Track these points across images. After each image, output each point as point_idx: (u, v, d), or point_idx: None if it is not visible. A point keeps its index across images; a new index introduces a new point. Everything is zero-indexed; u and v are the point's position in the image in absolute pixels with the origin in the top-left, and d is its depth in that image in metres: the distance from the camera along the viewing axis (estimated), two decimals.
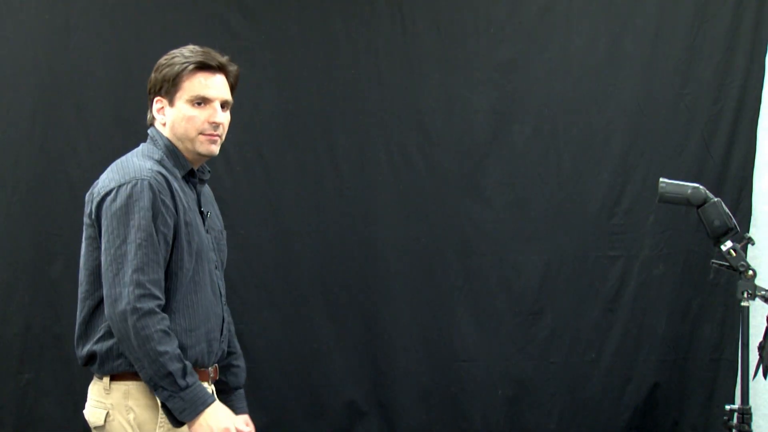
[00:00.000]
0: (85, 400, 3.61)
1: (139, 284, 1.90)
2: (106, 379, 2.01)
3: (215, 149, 2.11)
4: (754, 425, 2.41)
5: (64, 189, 3.48)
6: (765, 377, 2.38)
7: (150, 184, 1.94)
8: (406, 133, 3.62)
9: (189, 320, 2.02)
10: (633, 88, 3.61)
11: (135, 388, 2.00)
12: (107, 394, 2.01)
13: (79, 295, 2.05)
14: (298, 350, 3.59)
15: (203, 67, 2.08)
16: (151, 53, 3.46)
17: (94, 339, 2.00)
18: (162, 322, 1.92)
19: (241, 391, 2.37)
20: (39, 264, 3.47)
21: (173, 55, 2.11)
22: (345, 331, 3.60)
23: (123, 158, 2.07)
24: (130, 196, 1.93)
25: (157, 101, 2.10)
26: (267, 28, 3.57)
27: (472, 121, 3.62)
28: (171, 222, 1.97)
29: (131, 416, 1.99)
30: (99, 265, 1.97)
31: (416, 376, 3.61)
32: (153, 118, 2.14)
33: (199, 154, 2.10)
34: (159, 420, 1.99)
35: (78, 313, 2.08)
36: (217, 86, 2.11)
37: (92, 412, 2.05)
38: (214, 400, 1.99)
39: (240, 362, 2.36)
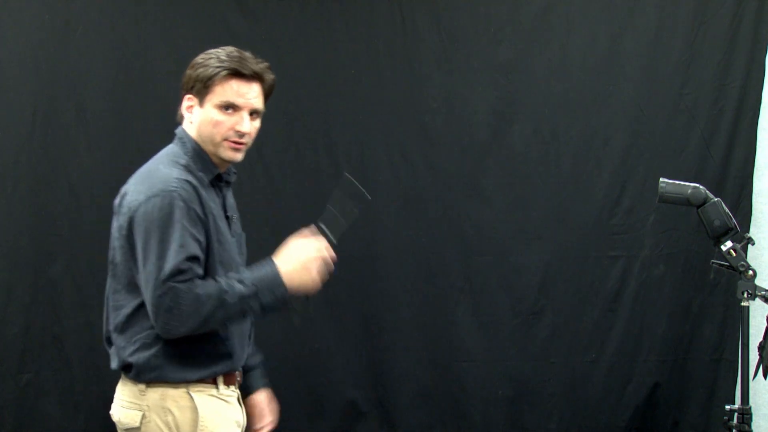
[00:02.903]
0: (85, 400, 3.62)
1: (159, 285, 1.87)
2: (141, 384, 1.98)
3: (239, 157, 2.07)
4: (754, 425, 2.41)
5: (64, 189, 3.48)
6: (765, 377, 2.38)
7: (180, 195, 1.91)
8: (406, 133, 3.62)
9: (223, 330, 2.01)
10: (633, 88, 3.61)
11: (172, 390, 1.97)
12: (143, 395, 1.97)
13: (111, 302, 2.01)
14: (298, 350, 3.59)
15: (237, 73, 2.02)
16: (151, 53, 3.52)
17: (131, 350, 1.96)
18: (187, 286, 1.87)
19: (258, 370, 2.33)
20: (39, 264, 3.47)
21: (210, 56, 2.05)
22: (345, 331, 3.60)
23: (150, 165, 2.04)
24: (161, 209, 1.89)
25: (187, 99, 2.07)
26: (267, 28, 3.57)
27: (472, 121, 3.62)
28: (202, 232, 1.95)
29: (170, 418, 1.96)
30: (134, 276, 1.95)
31: (416, 376, 3.61)
32: (182, 115, 2.11)
33: (222, 160, 2.08)
34: (200, 424, 1.98)
35: (109, 318, 2.04)
36: (248, 95, 2.04)
37: (125, 413, 1.99)
38: (274, 263, 1.97)
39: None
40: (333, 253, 2.08)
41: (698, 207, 2.41)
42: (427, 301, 3.63)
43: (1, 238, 3.45)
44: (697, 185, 2.43)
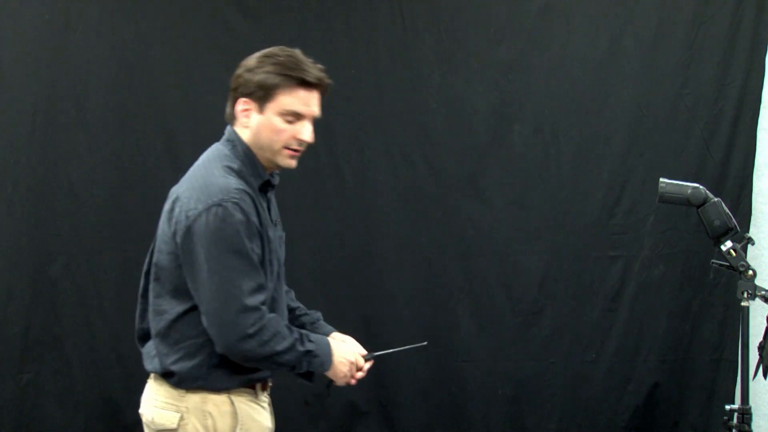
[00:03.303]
0: (85, 400, 3.62)
1: (246, 308, 1.87)
2: (180, 389, 1.96)
3: (294, 164, 2.06)
4: (754, 425, 2.41)
5: (64, 189, 3.48)
6: (765, 377, 2.38)
7: (241, 207, 1.88)
8: (406, 133, 3.62)
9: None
10: (633, 88, 3.61)
11: (214, 395, 1.96)
12: (182, 397, 1.95)
13: (152, 305, 1.99)
14: None
15: (303, 83, 1.99)
16: (151, 53, 3.52)
17: (174, 358, 1.94)
18: (271, 320, 1.91)
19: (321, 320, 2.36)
20: (39, 264, 3.48)
21: (272, 60, 1.99)
22: (345, 331, 3.58)
23: (203, 169, 1.97)
24: (223, 220, 1.85)
25: (243, 102, 1.99)
26: (267, 28, 3.57)
27: (472, 121, 3.62)
28: (259, 244, 1.94)
29: (209, 422, 1.95)
30: (184, 284, 1.91)
31: (416, 376, 3.61)
32: (233, 117, 2.04)
33: (278, 167, 2.06)
34: (238, 429, 1.98)
35: (147, 319, 2.03)
36: (312, 103, 2.02)
37: (161, 414, 1.96)
38: (328, 339, 2.07)
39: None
40: (364, 366, 2.16)
41: (698, 207, 2.40)
42: (427, 301, 3.63)
43: (1, 238, 3.45)
44: (697, 185, 2.43)
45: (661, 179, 2.46)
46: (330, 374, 2.07)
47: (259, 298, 1.90)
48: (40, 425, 3.48)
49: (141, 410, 2.05)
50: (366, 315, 3.61)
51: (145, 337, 2.08)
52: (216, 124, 3.44)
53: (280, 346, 1.92)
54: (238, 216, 1.87)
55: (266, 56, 2.01)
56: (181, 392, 1.95)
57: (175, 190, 1.99)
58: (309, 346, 1.97)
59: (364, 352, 2.17)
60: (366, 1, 3.61)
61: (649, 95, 3.61)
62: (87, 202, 3.50)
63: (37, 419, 3.48)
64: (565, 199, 3.63)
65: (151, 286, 2.00)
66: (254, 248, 1.91)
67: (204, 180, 1.93)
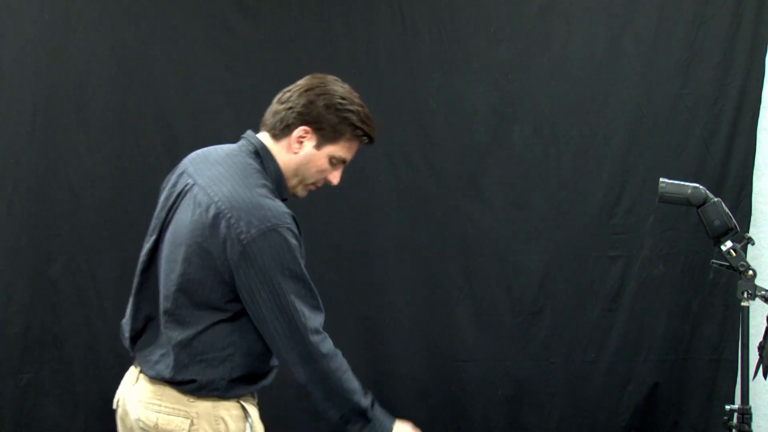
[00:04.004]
0: (85, 400, 3.62)
1: (315, 331, 1.90)
2: (190, 395, 1.94)
3: (305, 195, 2.12)
4: (754, 425, 2.41)
5: (64, 189, 3.48)
6: (765, 377, 2.38)
7: (294, 233, 1.90)
8: (406, 133, 3.62)
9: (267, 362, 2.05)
10: (633, 88, 3.61)
11: (225, 400, 1.95)
12: (192, 403, 1.93)
13: (170, 314, 1.94)
14: None
15: (368, 141, 2.07)
16: (151, 53, 3.52)
17: (196, 369, 1.91)
18: (341, 357, 1.94)
19: None
20: (39, 264, 3.47)
21: (350, 107, 2.01)
22: (345, 331, 3.60)
23: (244, 186, 1.91)
24: (281, 246, 1.86)
25: (303, 131, 1.99)
26: (267, 28, 3.57)
27: (472, 121, 3.62)
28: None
29: (221, 427, 1.93)
30: (217, 299, 1.89)
31: (416, 376, 3.61)
32: (282, 134, 2.01)
33: (293, 195, 2.08)
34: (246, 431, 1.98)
35: (137, 319, 2.01)
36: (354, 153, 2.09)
37: (167, 420, 1.93)
38: (393, 422, 2.04)
39: None
40: None
41: (698, 207, 2.40)
42: (427, 301, 3.63)
43: (1, 238, 3.45)
44: (697, 185, 2.43)
45: (661, 179, 2.46)
46: None
47: (321, 319, 1.93)
48: (40, 425, 3.48)
49: (137, 415, 1.98)
50: (366, 315, 3.61)
51: (137, 337, 2.04)
52: (216, 124, 3.49)
53: (348, 384, 1.94)
54: (293, 241, 1.88)
55: (344, 99, 2.02)
56: (191, 398, 1.93)
57: (205, 197, 1.90)
58: (368, 409, 1.96)
59: None
60: (366, 1, 3.60)
61: (649, 95, 3.61)
62: (87, 202, 3.50)
63: (37, 419, 3.48)
64: (565, 199, 3.63)
65: (169, 293, 1.93)
66: (307, 272, 1.93)
67: (251, 201, 1.88)
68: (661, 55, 3.60)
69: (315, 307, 1.92)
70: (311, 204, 3.59)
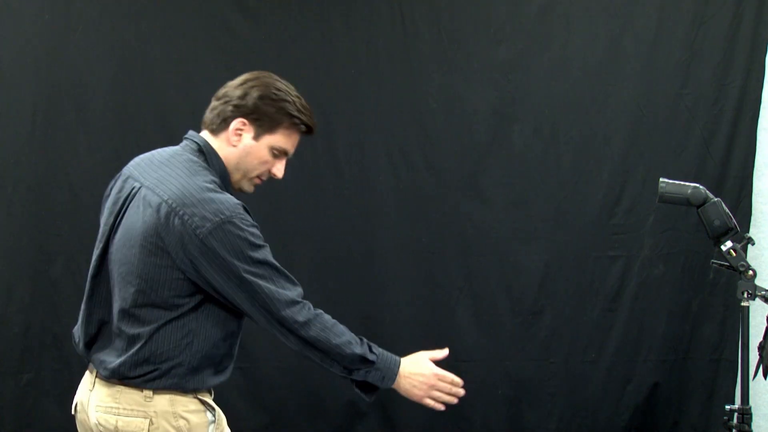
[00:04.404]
0: None
1: (289, 303, 1.94)
2: (147, 390, 1.94)
3: (252, 190, 2.13)
4: (754, 425, 2.41)
5: (64, 189, 3.48)
6: (765, 377, 2.37)
7: (247, 220, 1.92)
8: (406, 133, 3.62)
9: (235, 348, 2.07)
10: (633, 88, 3.61)
11: (180, 396, 1.96)
12: (149, 401, 1.93)
13: (125, 313, 1.94)
14: None
15: (306, 130, 2.07)
16: (151, 53, 3.52)
17: (154, 363, 1.92)
18: (324, 316, 2.00)
19: None
20: (39, 264, 3.47)
21: (286, 98, 2.02)
22: None
23: (191, 182, 1.93)
24: (238, 235, 1.89)
25: (240, 123, 2.01)
26: (267, 28, 3.57)
27: (472, 121, 3.62)
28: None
29: (181, 423, 1.94)
30: (174, 296, 1.91)
31: None
32: (220, 129, 2.04)
33: (239, 191, 2.09)
34: (217, 424, 1.99)
35: (90, 324, 2.02)
36: (296, 145, 2.10)
37: (127, 421, 1.93)
38: (397, 358, 2.08)
39: None
40: (458, 390, 2.15)
41: (698, 207, 2.40)
42: (427, 301, 3.63)
43: (1, 238, 3.45)
44: (697, 185, 2.43)
45: (661, 179, 2.46)
46: (403, 393, 2.10)
47: (294, 292, 1.96)
48: (40, 425, 3.48)
49: (91, 417, 1.99)
50: (366, 315, 3.61)
51: (91, 342, 2.04)
52: None
53: (335, 339, 1.98)
54: (249, 229, 1.91)
55: (278, 90, 2.03)
56: (148, 395, 1.93)
57: (155, 197, 1.92)
58: (366, 353, 2.02)
59: (444, 374, 2.15)
60: (366, 1, 3.61)
61: (649, 95, 3.61)
62: (87, 202, 3.49)
63: (37, 419, 3.48)
64: (565, 199, 3.63)
65: (127, 295, 1.94)
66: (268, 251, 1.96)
67: (202, 196, 1.91)
68: (661, 55, 3.60)
69: (285, 283, 1.96)
70: (311, 204, 3.61)
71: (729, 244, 2.37)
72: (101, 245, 2.06)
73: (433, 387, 2.11)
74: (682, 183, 2.45)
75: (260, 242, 1.94)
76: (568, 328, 3.64)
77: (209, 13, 3.55)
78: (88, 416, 2.03)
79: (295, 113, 2.03)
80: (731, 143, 3.61)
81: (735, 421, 2.43)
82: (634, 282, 3.63)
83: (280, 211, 3.58)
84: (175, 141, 3.48)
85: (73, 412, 2.11)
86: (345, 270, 3.60)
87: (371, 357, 2.03)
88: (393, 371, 2.07)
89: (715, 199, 2.40)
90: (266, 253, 1.94)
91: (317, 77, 3.58)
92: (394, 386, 2.08)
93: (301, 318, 1.95)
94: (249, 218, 1.94)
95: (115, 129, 3.51)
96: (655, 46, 3.60)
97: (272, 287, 1.92)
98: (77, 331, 2.09)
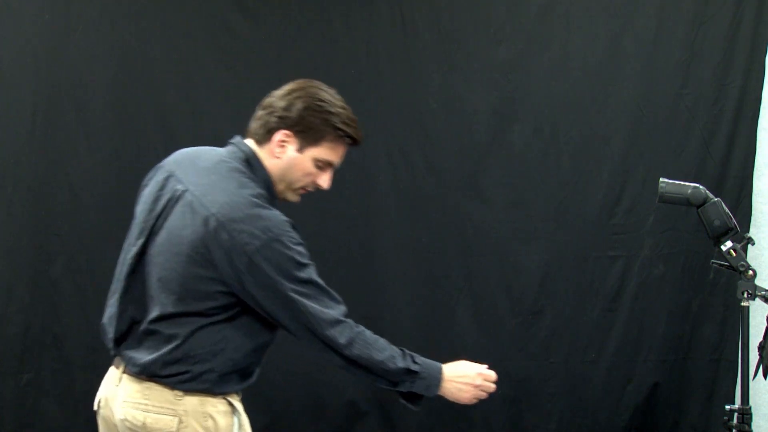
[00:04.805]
0: (85, 400, 3.60)
1: (332, 323, 1.95)
2: (178, 390, 1.94)
3: (298, 200, 2.13)
4: (754, 425, 2.41)
5: (64, 189, 3.48)
6: (765, 377, 2.37)
7: (294, 238, 1.93)
8: (406, 133, 3.62)
9: (263, 357, 2.08)
10: (633, 88, 3.61)
11: (209, 396, 1.96)
12: (179, 400, 1.94)
13: (164, 316, 1.93)
14: (298, 350, 3.56)
15: (352, 142, 2.07)
16: (151, 53, 3.52)
17: (191, 362, 1.93)
18: (366, 333, 2.01)
19: None
20: (39, 264, 3.47)
21: (331, 109, 2.01)
22: None
23: (240, 196, 1.91)
24: (284, 254, 1.90)
25: (284, 134, 2.00)
26: (267, 28, 3.57)
27: (472, 121, 3.62)
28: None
29: (210, 423, 1.94)
30: (215, 306, 1.91)
31: None
32: (265, 139, 2.02)
33: (284, 200, 2.09)
34: (242, 427, 2.00)
35: (121, 320, 2.01)
36: (342, 156, 2.10)
37: (155, 418, 1.93)
38: (440, 366, 2.08)
39: None
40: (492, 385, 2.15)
41: (698, 207, 2.40)
42: (427, 301, 3.63)
43: (1, 238, 3.45)
44: (697, 185, 2.43)
45: (661, 179, 2.46)
46: (450, 398, 2.11)
47: (338, 310, 1.98)
48: (40, 425, 3.48)
49: (117, 412, 1.99)
50: (366, 315, 3.59)
51: (121, 339, 2.04)
52: (215, 124, 3.49)
53: (378, 356, 1.98)
54: (296, 248, 1.92)
55: (323, 101, 2.02)
56: (178, 394, 1.93)
57: (203, 209, 1.90)
58: (410, 365, 2.02)
59: (488, 371, 2.15)
60: (366, 1, 3.61)
61: (649, 95, 3.61)
62: (87, 202, 3.50)
63: (37, 419, 3.48)
64: (565, 199, 3.63)
65: (167, 301, 1.93)
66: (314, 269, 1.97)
67: (251, 212, 1.90)
68: (661, 55, 3.60)
69: (329, 302, 1.97)
70: (311, 204, 3.59)
71: (729, 244, 2.37)
72: (140, 243, 2.01)
73: (478, 387, 2.12)
74: (682, 183, 2.45)
75: (306, 261, 1.94)
76: (568, 328, 3.64)
77: (209, 13, 3.55)
78: (113, 412, 2.02)
79: (340, 125, 2.01)
80: (731, 143, 3.61)
81: (735, 421, 2.43)
82: (634, 282, 3.63)
83: (280, 211, 3.57)
84: (175, 141, 3.51)
85: (95, 408, 2.10)
86: (345, 270, 3.60)
87: (415, 368, 2.03)
88: (437, 378, 2.07)
89: (715, 199, 2.40)
90: (311, 272, 1.95)
91: (317, 77, 3.55)
92: (440, 392, 2.09)
93: (343, 339, 1.95)
94: (296, 236, 1.94)
95: (115, 129, 3.51)
96: (655, 46, 3.60)
97: (316, 306, 1.93)
98: (108, 324, 2.06)
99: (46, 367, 3.48)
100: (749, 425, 2.39)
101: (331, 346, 1.95)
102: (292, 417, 3.60)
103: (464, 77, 3.61)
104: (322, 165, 2.04)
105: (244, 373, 2.01)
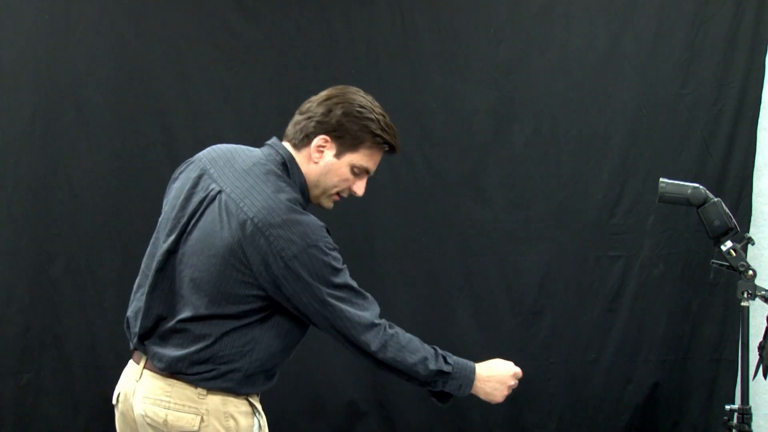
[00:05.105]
0: (85, 400, 3.62)
1: (367, 327, 1.97)
2: (201, 388, 1.94)
3: (332, 206, 2.14)
4: (754, 425, 2.41)
5: (64, 189, 3.48)
6: (765, 377, 2.37)
7: (330, 244, 1.94)
8: (406, 133, 3.61)
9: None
10: (633, 88, 3.61)
11: (233, 397, 1.97)
12: (202, 399, 1.94)
13: (195, 317, 1.93)
14: (298, 350, 3.57)
15: (389, 150, 2.08)
16: (151, 53, 3.52)
17: (219, 361, 1.93)
18: (399, 335, 2.02)
19: None
20: (39, 264, 3.47)
21: (369, 116, 2.02)
22: None
23: (276, 200, 1.91)
24: (321, 260, 1.91)
25: (323, 140, 2.01)
26: (267, 28, 3.57)
27: (472, 121, 3.62)
28: None
29: (231, 423, 1.95)
30: (247, 310, 1.92)
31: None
32: (303, 144, 2.03)
33: (318, 206, 2.10)
34: (255, 428, 2.00)
35: (148, 317, 1.99)
36: (378, 164, 2.11)
37: (178, 416, 1.93)
38: (472, 364, 2.09)
39: None
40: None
41: (698, 207, 2.40)
42: (427, 300, 3.63)
43: (1, 238, 3.45)
44: (697, 185, 2.43)
45: (661, 179, 2.46)
46: (483, 397, 2.12)
47: (372, 313, 1.99)
48: (40, 425, 3.48)
49: (137, 407, 1.98)
50: None
51: (146, 335, 2.02)
52: (216, 124, 3.49)
53: (411, 358, 2.00)
54: (332, 254, 1.93)
55: (362, 107, 2.03)
56: (202, 392, 1.93)
57: (239, 212, 1.90)
58: (442, 366, 2.03)
59: (515, 368, 2.17)
60: (366, 1, 3.61)
61: (649, 95, 3.61)
62: (87, 202, 3.50)
63: (37, 419, 3.48)
64: (565, 199, 3.63)
65: (200, 303, 1.93)
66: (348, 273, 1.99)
67: (288, 217, 1.90)
68: (661, 55, 3.60)
69: (364, 305, 1.99)
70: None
71: (729, 244, 2.37)
72: (171, 240, 1.99)
73: (510, 387, 2.14)
74: (682, 183, 2.45)
75: (341, 266, 1.95)
76: (568, 328, 3.64)
77: (209, 13, 3.55)
78: (132, 407, 2.01)
79: (379, 132, 2.02)
80: (731, 143, 3.61)
81: (735, 421, 2.43)
82: (634, 282, 3.63)
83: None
84: (175, 141, 3.51)
85: (114, 402, 2.08)
86: None
87: (447, 369, 2.04)
88: (470, 378, 2.08)
89: (715, 199, 2.40)
90: (346, 276, 1.97)
91: (317, 77, 3.58)
92: (473, 392, 2.09)
93: (376, 343, 1.97)
94: (331, 241, 1.95)
95: (115, 129, 3.51)
96: (655, 46, 3.60)
97: (352, 310, 1.95)
98: (134, 318, 2.05)
99: (46, 367, 3.49)
100: (749, 425, 2.39)
101: (364, 350, 1.97)
102: (292, 417, 3.60)
103: (464, 77, 3.61)
104: (358, 171, 2.06)
105: (269, 374, 2.03)
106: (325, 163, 2.02)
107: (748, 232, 3.52)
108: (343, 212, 3.59)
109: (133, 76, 3.51)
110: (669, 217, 3.59)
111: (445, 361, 2.05)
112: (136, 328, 2.03)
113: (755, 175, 3.62)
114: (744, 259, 2.37)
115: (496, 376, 2.11)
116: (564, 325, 3.64)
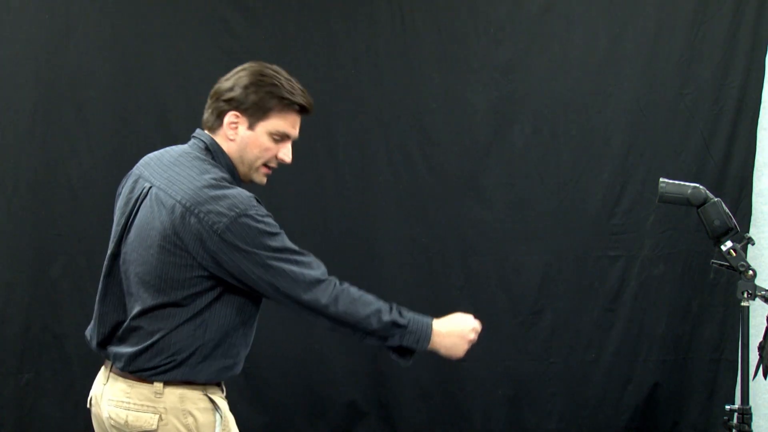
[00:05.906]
0: (84, 400, 3.61)
1: (311, 284, 1.96)
2: (158, 384, 1.95)
3: (265, 181, 2.12)
4: (754, 425, 2.41)
5: (64, 189, 3.49)
6: (765, 377, 2.37)
7: (261, 210, 1.94)
8: (406, 133, 3.62)
9: (250, 337, 2.07)
10: (633, 88, 3.61)
11: (191, 392, 1.97)
12: (159, 397, 1.95)
13: (143, 312, 1.95)
14: (298, 350, 3.59)
15: (300, 109, 2.05)
16: (151, 53, 3.52)
17: (174, 351, 1.94)
18: (350, 290, 2.01)
19: None
20: (39, 264, 3.48)
21: (272, 81, 2.02)
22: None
23: (201, 180, 1.93)
24: (254, 226, 1.90)
25: (233, 116, 2.02)
26: (267, 28, 3.57)
27: (472, 121, 3.63)
28: None
29: (189, 420, 1.95)
30: (192, 294, 1.93)
31: (416, 376, 3.61)
32: (217, 125, 2.06)
33: (250, 181, 2.09)
34: (223, 424, 1.99)
35: (104, 323, 2.04)
36: (297, 126, 2.08)
37: (137, 416, 1.95)
38: (429, 318, 2.10)
39: None
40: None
41: (698, 207, 2.40)
42: (427, 301, 3.63)
43: (1, 238, 3.45)
44: (697, 185, 2.43)
45: (661, 179, 2.46)
46: (445, 352, 2.12)
47: (317, 271, 1.97)
48: (40, 425, 3.48)
49: (104, 411, 2.02)
50: None
51: (106, 342, 2.06)
52: None
53: (364, 311, 1.99)
54: (265, 219, 1.93)
55: (264, 75, 2.03)
56: (158, 390, 1.95)
57: (168, 199, 1.93)
58: (397, 318, 2.03)
59: (477, 323, 2.18)
60: (366, 1, 3.61)
61: (649, 95, 3.61)
62: (87, 202, 3.50)
63: (37, 419, 3.48)
64: (565, 199, 3.63)
65: (146, 295, 1.95)
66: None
67: (214, 193, 1.92)
68: (661, 55, 3.60)
69: (309, 263, 1.98)
70: (311, 204, 3.61)
71: (729, 244, 2.37)
72: (113, 245, 2.05)
73: (471, 342, 2.16)
74: (682, 183, 2.45)
75: (276, 230, 1.95)
76: (568, 328, 3.64)
77: (209, 13, 3.55)
78: (101, 410, 2.05)
79: (285, 94, 2.01)
80: (731, 143, 3.61)
81: (735, 421, 2.43)
82: (634, 282, 3.63)
83: (281, 211, 3.55)
84: (175, 141, 3.49)
85: (88, 406, 2.13)
86: (345, 270, 3.57)
87: (402, 321, 2.04)
88: (426, 333, 2.07)
89: (715, 199, 2.40)
90: (284, 240, 1.96)
91: (317, 77, 3.58)
92: (432, 347, 2.09)
93: (325, 298, 1.95)
94: (263, 209, 1.95)
95: (115, 129, 3.51)
96: (655, 46, 3.60)
97: (296, 269, 1.94)
98: (90, 331, 2.11)
99: (46, 367, 3.49)
100: (749, 425, 2.39)
101: (314, 307, 1.95)
102: (292, 417, 3.60)
103: (464, 77, 3.61)
104: (278, 138, 2.04)
105: (227, 355, 2.00)
106: (240, 138, 2.03)
107: (748, 232, 3.52)
108: (343, 212, 3.61)
109: (133, 76, 3.51)
110: (669, 217, 3.59)
111: (400, 314, 2.05)
112: (94, 338, 2.09)
113: (755, 175, 3.62)
114: (744, 259, 2.37)
115: (455, 330, 2.13)
116: (564, 325, 3.64)
